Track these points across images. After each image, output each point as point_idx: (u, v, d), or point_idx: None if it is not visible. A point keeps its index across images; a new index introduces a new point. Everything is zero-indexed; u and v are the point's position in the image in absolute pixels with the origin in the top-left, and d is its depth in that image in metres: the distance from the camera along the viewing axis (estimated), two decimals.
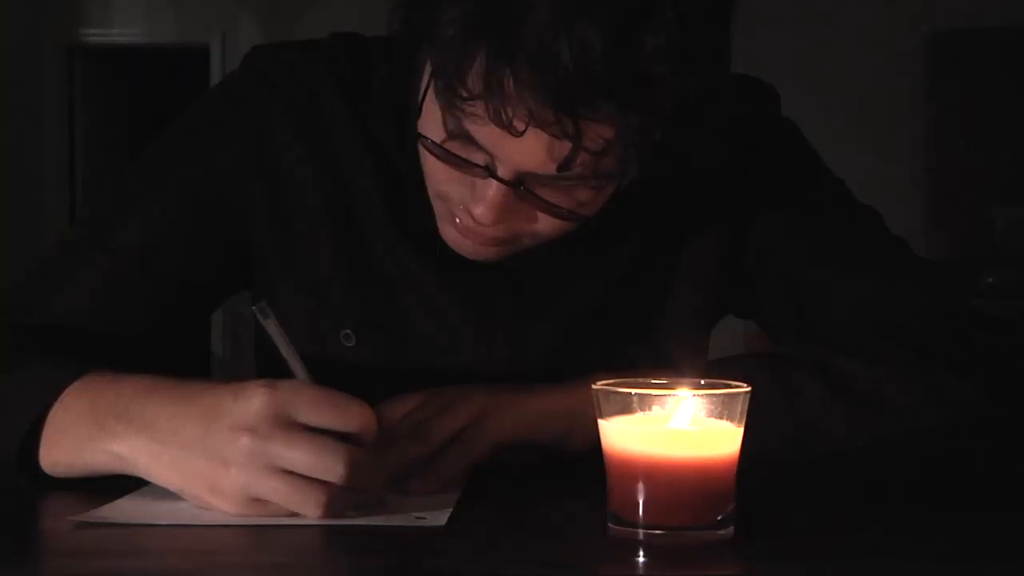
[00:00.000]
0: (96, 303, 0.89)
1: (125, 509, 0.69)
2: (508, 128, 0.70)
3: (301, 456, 0.65)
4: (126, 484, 0.72)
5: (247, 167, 0.92)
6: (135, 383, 0.73)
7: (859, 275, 0.96)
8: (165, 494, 0.70)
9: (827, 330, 0.94)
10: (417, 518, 0.68)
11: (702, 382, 0.64)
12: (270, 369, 0.74)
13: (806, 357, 0.87)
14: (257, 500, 0.66)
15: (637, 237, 0.95)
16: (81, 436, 0.72)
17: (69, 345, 0.86)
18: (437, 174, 0.81)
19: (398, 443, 0.77)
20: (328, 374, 0.71)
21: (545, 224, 0.81)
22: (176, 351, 0.95)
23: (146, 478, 0.71)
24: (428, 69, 0.77)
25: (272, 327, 0.72)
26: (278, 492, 0.66)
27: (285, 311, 0.90)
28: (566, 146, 0.71)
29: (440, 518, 0.68)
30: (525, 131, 0.70)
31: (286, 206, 0.92)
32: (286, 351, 0.72)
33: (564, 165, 0.72)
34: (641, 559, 0.60)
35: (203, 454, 0.67)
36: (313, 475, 0.66)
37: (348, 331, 0.92)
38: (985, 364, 0.90)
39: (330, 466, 0.65)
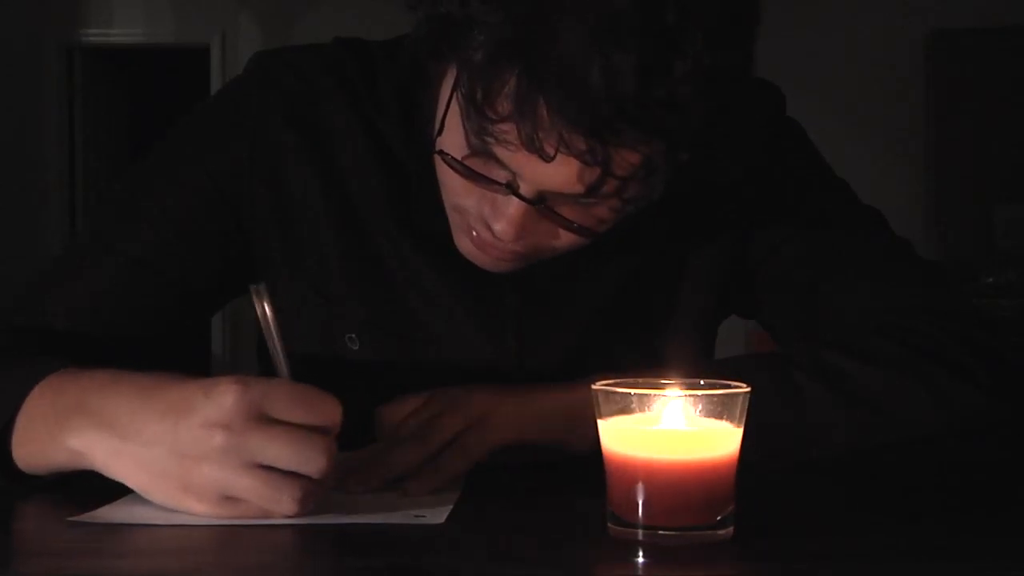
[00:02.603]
0: (97, 305, 0.89)
1: (121, 510, 0.69)
2: (539, 153, 0.70)
3: (281, 449, 0.65)
4: (124, 485, 0.71)
5: (248, 169, 0.91)
6: (95, 377, 0.72)
7: (862, 275, 0.96)
8: None
9: (829, 330, 0.94)
10: (416, 517, 0.67)
11: (702, 383, 0.64)
12: (272, 369, 0.74)
13: (807, 357, 0.87)
14: (229, 499, 0.66)
15: (646, 239, 0.95)
16: (43, 435, 0.71)
17: (70, 347, 0.85)
18: (455, 188, 0.81)
19: (399, 444, 0.77)
20: (333, 376, 0.71)
21: (564, 239, 0.81)
22: (176, 352, 0.94)
23: (105, 474, 0.69)
24: (448, 82, 0.76)
25: (262, 311, 0.70)
26: (252, 489, 0.65)
27: (289, 313, 0.90)
28: (594, 171, 0.71)
29: (439, 517, 0.68)
30: (555, 155, 0.70)
31: (289, 208, 0.92)
32: (271, 340, 0.71)
33: (592, 190, 0.73)
34: (641, 559, 0.60)
35: (172, 451, 0.66)
36: (293, 468, 0.65)
37: (353, 335, 0.92)
38: (986, 365, 0.89)
39: (312, 458, 0.65)
